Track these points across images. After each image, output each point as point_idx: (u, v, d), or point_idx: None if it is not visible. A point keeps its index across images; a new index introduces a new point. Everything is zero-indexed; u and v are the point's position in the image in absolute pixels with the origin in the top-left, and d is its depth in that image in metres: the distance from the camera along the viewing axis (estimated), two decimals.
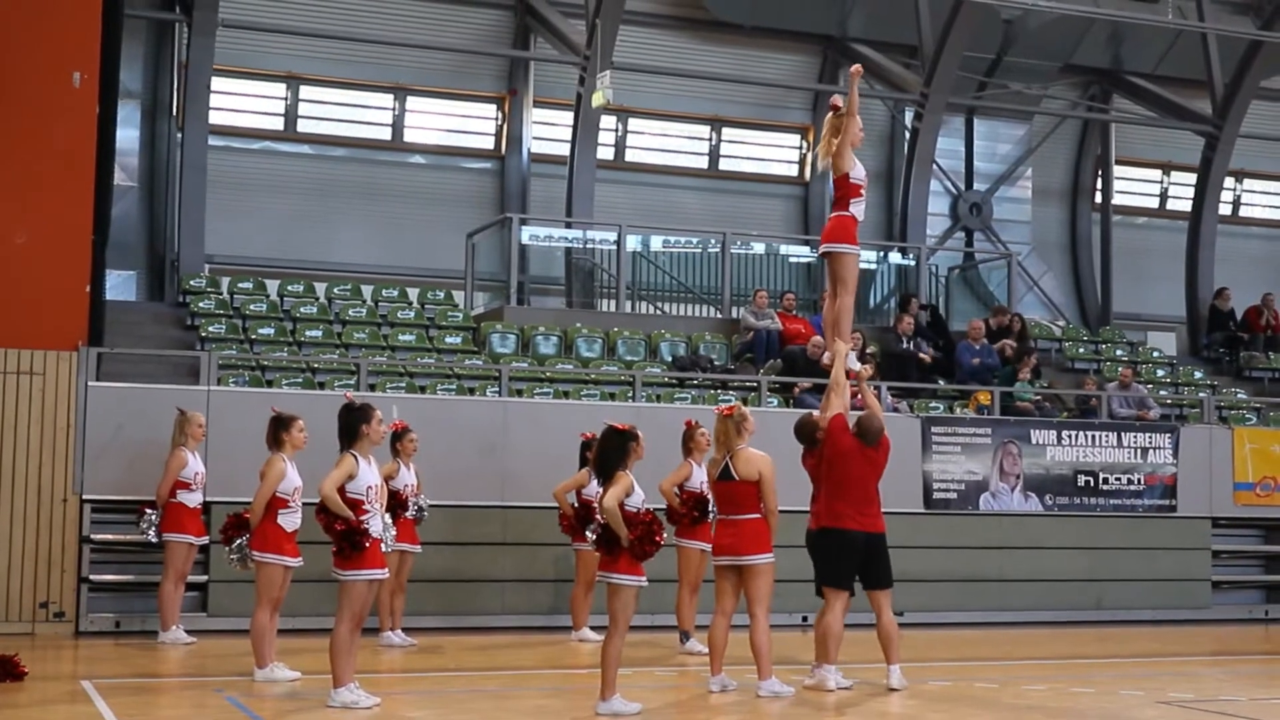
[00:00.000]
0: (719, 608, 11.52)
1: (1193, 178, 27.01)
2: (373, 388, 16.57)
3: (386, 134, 24.77)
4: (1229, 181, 27.83)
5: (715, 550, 11.53)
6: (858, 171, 11.91)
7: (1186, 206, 27.33)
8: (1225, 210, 28.21)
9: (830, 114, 12.02)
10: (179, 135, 21.93)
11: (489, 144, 25.23)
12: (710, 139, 26.59)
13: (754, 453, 11.29)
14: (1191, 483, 18.94)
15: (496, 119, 25.21)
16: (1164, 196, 29.73)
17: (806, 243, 24.37)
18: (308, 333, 18.58)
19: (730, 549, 11.26)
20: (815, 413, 12.38)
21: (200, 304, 18.81)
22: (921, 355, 20.25)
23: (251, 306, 18.97)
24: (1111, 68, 27.81)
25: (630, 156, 26.08)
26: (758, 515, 11.22)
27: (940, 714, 10.75)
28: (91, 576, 14.92)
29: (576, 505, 14.32)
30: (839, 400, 11.91)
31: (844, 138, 11.76)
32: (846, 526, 11.57)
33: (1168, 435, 18.99)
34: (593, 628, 14.31)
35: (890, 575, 11.81)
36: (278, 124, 24.17)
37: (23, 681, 11.22)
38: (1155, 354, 24.41)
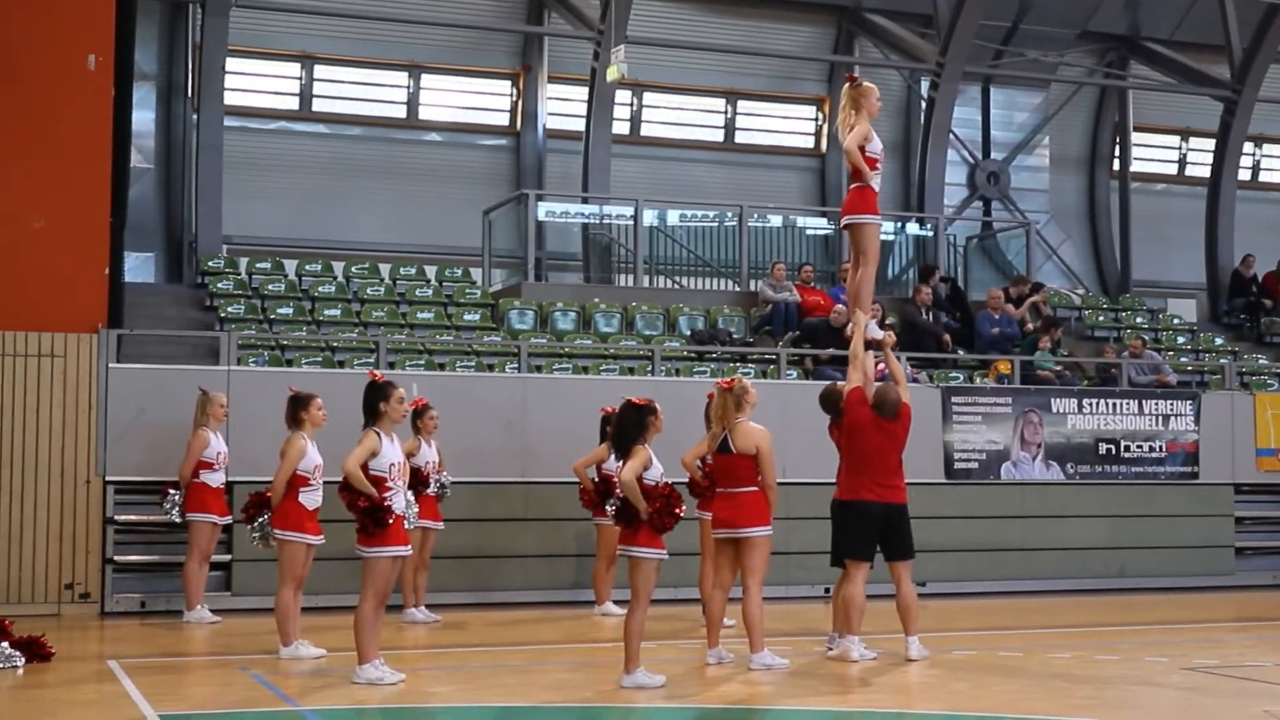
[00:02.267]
0: (717, 580, 11.57)
1: (1211, 143, 26.87)
2: (392, 366, 16.60)
3: (402, 112, 24.76)
4: (1248, 146, 27.65)
5: (714, 523, 11.53)
6: (874, 145, 11.91)
7: (1205, 172, 27.19)
8: (1244, 175, 28.05)
9: (847, 85, 12.02)
10: (194, 116, 21.93)
11: (504, 120, 25.20)
12: (726, 112, 26.52)
13: (753, 426, 11.28)
14: (1213, 449, 18.89)
15: (511, 95, 25.17)
16: (1182, 162, 29.59)
17: (823, 214, 24.33)
18: (326, 312, 18.60)
19: (728, 522, 11.26)
20: (841, 382, 12.37)
21: (219, 285, 18.85)
22: (945, 337, 20.12)
23: (270, 286, 18.99)
24: (1129, 34, 27.66)
25: (646, 131, 26.03)
26: (755, 489, 11.21)
27: (964, 683, 10.76)
28: (116, 557, 15.00)
29: (597, 480, 14.34)
30: (858, 373, 11.91)
31: (860, 117, 11.82)
32: (864, 498, 11.63)
33: (1189, 402, 18.93)
34: (615, 602, 14.34)
35: (911, 546, 11.83)
36: (293, 104, 24.16)
37: (50, 662, 11.30)
38: (1175, 321, 24.33)
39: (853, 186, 12.04)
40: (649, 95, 26.00)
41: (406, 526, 10.47)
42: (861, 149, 11.79)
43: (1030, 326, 20.68)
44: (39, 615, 14.18)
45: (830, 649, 11.88)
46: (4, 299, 14.91)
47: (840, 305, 19.72)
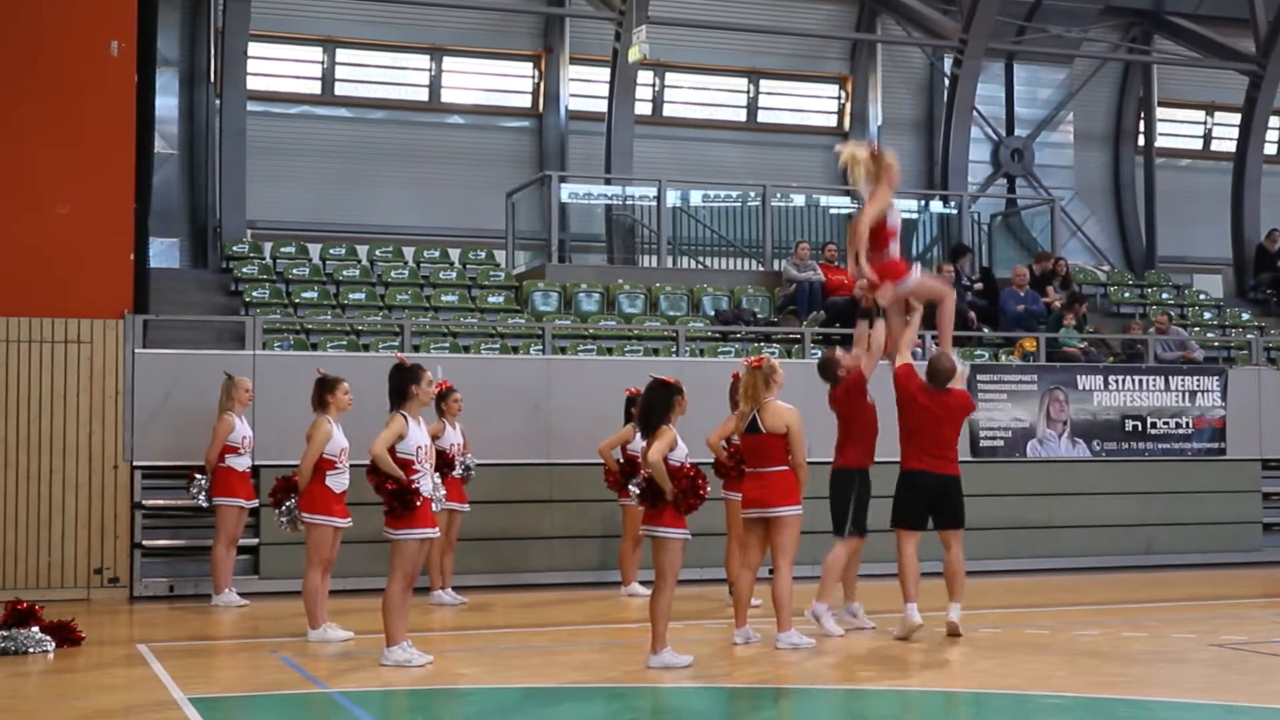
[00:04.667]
0: (744, 560, 11.56)
1: (1237, 118, 26.73)
2: (416, 349, 16.63)
3: (424, 95, 24.77)
4: (1274, 121, 27.51)
5: (743, 503, 11.52)
6: (894, 218, 12.09)
7: (1231, 147, 27.05)
8: (1270, 150, 27.91)
9: (867, 155, 12.08)
10: (217, 102, 22.00)
11: (526, 102, 25.19)
12: (748, 91, 26.47)
13: (781, 405, 11.26)
14: (1240, 425, 18.82)
15: (533, 77, 25.15)
16: (1208, 138, 29.45)
17: (847, 193, 24.24)
18: (350, 295, 18.64)
19: (758, 501, 11.25)
20: (839, 350, 12.41)
21: (243, 269, 18.90)
22: (970, 315, 20.04)
23: (294, 271, 19.03)
24: (1152, 8, 27.53)
25: (668, 111, 26.01)
26: (785, 468, 11.20)
27: (992, 661, 10.75)
28: (144, 542, 15.06)
29: (622, 461, 14.35)
30: (871, 359, 12.01)
31: (880, 190, 11.96)
32: (914, 467, 11.75)
33: (1216, 378, 18.86)
34: (641, 582, 14.35)
35: (961, 516, 11.84)
36: (315, 88, 24.20)
37: (80, 646, 11.37)
38: (1202, 296, 24.22)
39: (875, 264, 12.04)
40: (671, 75, 25.97)
41: (434, 509, 10.49)
42: (882, 222, 11.86)
43: (1055, 302, 20.54)
44: (68, 600, 14.26)
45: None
46: (30, 285, 14.98)
47: (863, 280, 19.64)
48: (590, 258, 23.17)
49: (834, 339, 18.77)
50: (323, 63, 24.17)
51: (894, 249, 12.05)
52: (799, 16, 26.08)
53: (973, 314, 20.09)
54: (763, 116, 26.57)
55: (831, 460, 12.20)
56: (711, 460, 13.06)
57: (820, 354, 12.19)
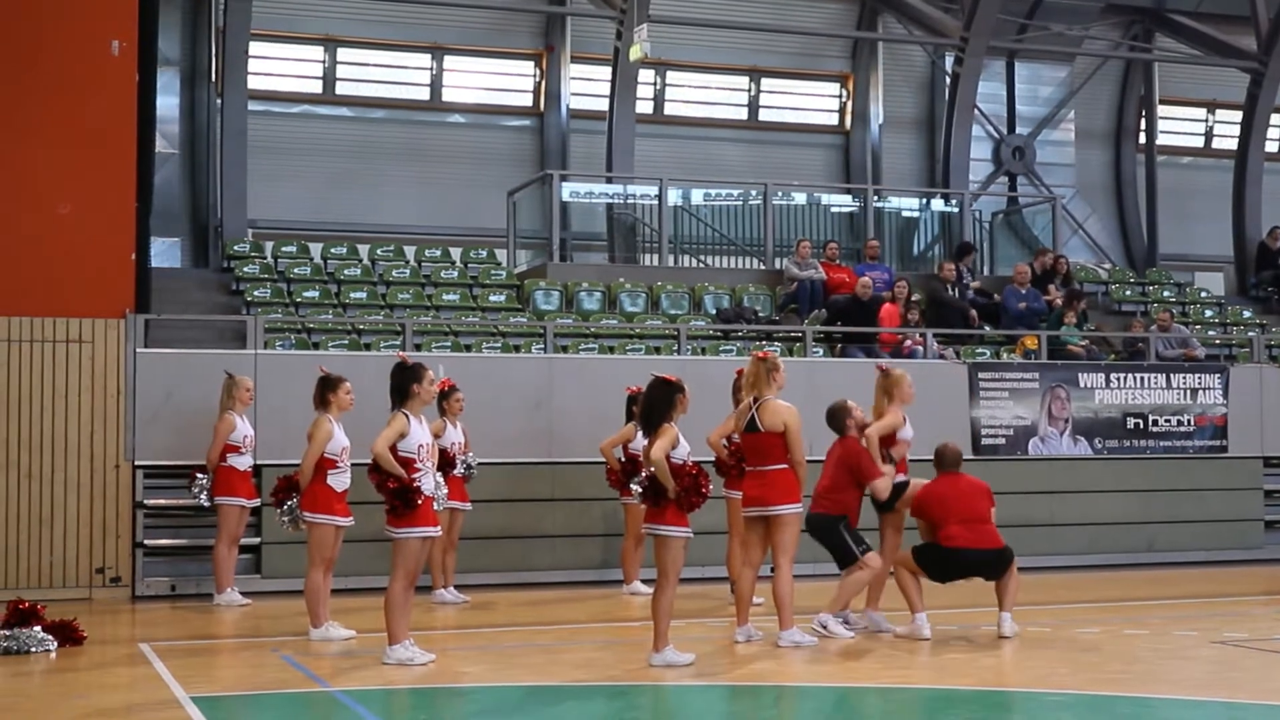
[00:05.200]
0: (746, 559, 11.55)
1: (1238, 116, 26.73)
2: (418, 348, 16.62)
3: (425, 94, 24.78)
4: (1275, 118, 27.47)
5: (744, 501, 11.50)
6: (906, 432, 12.20)
7: (1232, 145, 27.04)
8: (1271, 148, 27.91)
9: (880, 375, 12.25)
10: (218, 101, 22.00)
11: (527, 101, 25.19)
12: (749, 90, 26.47)
13: (780, 404, 11.25)
14: (1242, 422, 18.82)
15: (534, 76, 25.15)
16: (1209, 135, 29.45)
17: (848, 191, 24.29)
18: (352, 294, 18.64)
19: (758, 500, 11.24)
20: (851, 403, 12.24)
21: (245, 269, 18.90)
22: (971, 313, 20.04)
23: (295, 270, 19.04)
24: (1153, 6, 27.52)
25: (669, 110, 26.01)
26: (784, 466, 11.19)
27: (993, 659, 10.76)
28: (146, 541, 15.07)
29: (623, 459, 14.35)
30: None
31: (892, 406, 12.08)
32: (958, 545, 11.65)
33: (1217, 375, 18.86)
34: (643, 581, 14.35)
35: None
36: (316, 87, 24.21)
37: (82, 645, 11.37)
38: (1203, 294, 24.22)
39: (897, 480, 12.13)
40: (672, 74, 25.97)
41: (436, 507, 10.49)
42: (892, 435, 11.99)
43: (1055, 298, 20.53)
44: (70, 600, 14.27)
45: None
46: (32, 285, 14.99)
47: (866, 278, 19.71)
48: (591, 256, 23.17)
49: (835, 338, 18.82)
50: (324, 62, 24.17)
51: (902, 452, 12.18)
52: (800, 15, 26.08)
53: (973, 312, 20.10)
54: (764, 115, 26.57)
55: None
56: (713, 459, 13.05)
57: (834, 405, 12.11)
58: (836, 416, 12.03)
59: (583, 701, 9.37)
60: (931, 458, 11.97)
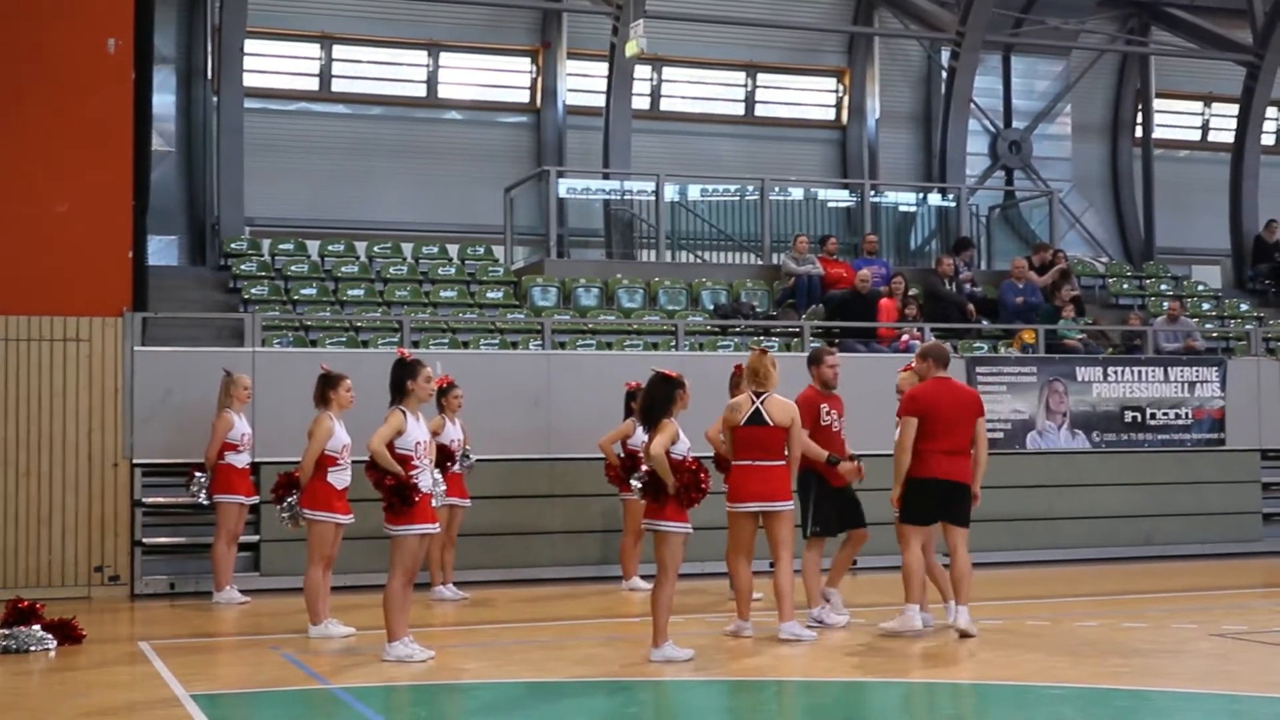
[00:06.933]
0: (744, 553, 11.55)
1: (1234, 109, 26.70)
2: (416, 344, 16.63)
3: (421, 91, 24.76)
4: (1271, 111, 27.53)
5: (741, 496, 11.44)
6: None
7: (1229, 138, 27.03)
8: (1268, 140, 27.91)
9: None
10: (215, 99, 21.97)
11: (524, 98, 25.18)
12: (746, 85, 26.46)
13: (786, 400, 11.28)
14: (1240, 415, 18.83)
15: (531, 72, 25.14)
16: (1205, 129, 29.45)
17: (845, 186, 24.28)
18: (349, 292, 18.64)
19: (760, 495, 11.23)
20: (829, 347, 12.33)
21: (242, 266, 18.90)
22: (969, 307, 20.04)
23: (293, 267, 19.03)
24: None
25: (666, 105, 25.99)
26: (784, 461, 11.22)
27: (993, 652, 10.76)
28: (144, 540, 15.07)
29: (622, 455, 14.35)
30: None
31: None
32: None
33: (1215, 368, 18.87)
34: (643, 577, 14.36)
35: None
36: (312, 84, 24.19)
37: (81, 644, 11.38)
38: (1200, 287, 24.23)
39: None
40: (668, 69, 25.95)
41: (434, 504, 10.50)
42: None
43: (1050, 285, 20.51)
44: (69, 598, 14.28)
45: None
46: (29, 283, 14.97)
47: (864, 272, 19.71)
48: (589, 252, 23.17)
49: (833, 332, 18.82)
50: (320, 59, 24.15)
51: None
52: (796, 10, 26.07)
53: (971, 306, 20.11)
54: (760, 110, 26.56)
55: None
56: (712, 454, 13.04)
57: (817, 347, 12.15)
58: (817, 356, 12.21)
59: (582, 697, 9.37)
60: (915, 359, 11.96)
